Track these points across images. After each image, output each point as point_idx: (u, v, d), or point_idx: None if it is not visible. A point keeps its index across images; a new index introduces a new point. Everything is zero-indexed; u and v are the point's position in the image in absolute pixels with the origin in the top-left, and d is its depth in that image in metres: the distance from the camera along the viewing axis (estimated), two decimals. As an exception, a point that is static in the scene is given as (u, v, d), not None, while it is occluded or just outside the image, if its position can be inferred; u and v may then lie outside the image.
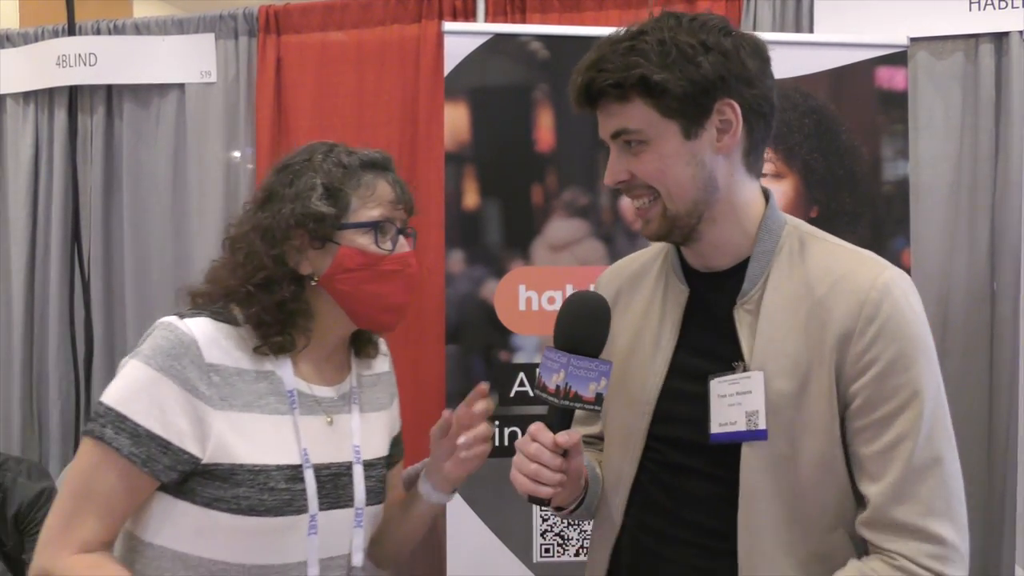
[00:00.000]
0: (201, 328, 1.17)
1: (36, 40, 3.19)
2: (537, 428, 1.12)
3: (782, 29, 2.53)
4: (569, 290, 2.16)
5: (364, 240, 1.20)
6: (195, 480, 1.14)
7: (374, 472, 1.28)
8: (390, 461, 1.36)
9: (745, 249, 1.14)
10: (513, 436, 2.13)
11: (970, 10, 2.43)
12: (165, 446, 1.12)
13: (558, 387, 1.10)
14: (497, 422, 2.12)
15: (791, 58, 2.15)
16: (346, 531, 1.23)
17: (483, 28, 2.29)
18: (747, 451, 1.08)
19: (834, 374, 1.05)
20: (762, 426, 1.07)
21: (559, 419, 1.12)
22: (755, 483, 1.08)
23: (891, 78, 2.17)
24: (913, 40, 2.29)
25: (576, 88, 1.11)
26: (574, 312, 1.14)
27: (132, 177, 3.12)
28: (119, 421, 1.12)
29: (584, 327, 1.12)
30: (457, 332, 2.16)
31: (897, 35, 2.19)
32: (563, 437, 1.11)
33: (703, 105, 1.07)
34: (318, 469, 1.20)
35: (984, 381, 2.51)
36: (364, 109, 2.86)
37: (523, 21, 2.67)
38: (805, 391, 1.06)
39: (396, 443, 1.38)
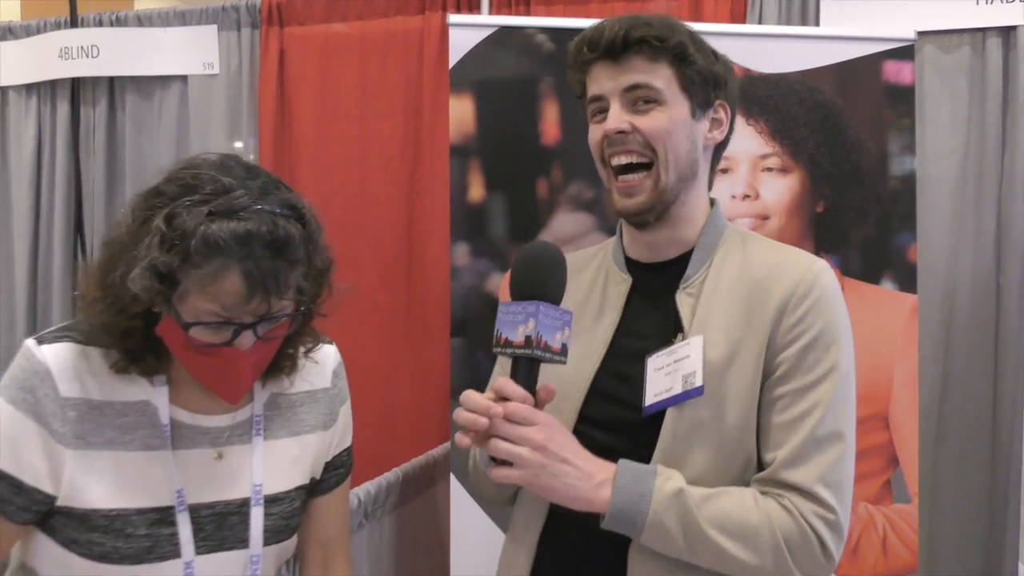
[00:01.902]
0: (59, 357, 1.04)
1: (38, 32, 3.18)
2: (505, 384, 1.06)
3: (788, 22, 2.52)
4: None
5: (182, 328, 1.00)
6: (55, 518, 1.05)
7: (279, 508, 1.14)
8: (319, 487, 1.23)
9: (690, 241, 1.22)
10: (517, 430, 2.12)
11: (977, 4, 2.42)
12: (18, 486, 1.02)
13: (528, 337, 1.03)
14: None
15: (797, 52, 2.14)
16: None
17: (488, 20, 2.28)
18: (671, 417, 1.12)
19: (764, 345, 1.12)
20: (699, 383, 1.11)
21: (527, 374, 1.06)
22: (672, 447, 1.11)
23: (898, 72, 2.15)
24: (920, 34, 2.27)
25: (610, 35, 1.14)
26: (535, 260, 1.11)
27: (135, 169, 3.12)
28: None
29: (548, 273, 1.09)
30: (462, 325, 2.15)
31: (904, 29, 2.18)
32: (545, 392, 1.08)
33: (710, 96, 1.20)
34: (197, 509, 1.07)
35: (989, 375, 2.51)
36: (367, 101, 2.85)
37: (527, 14, 2.66)
38: (735, 361, 1.12)
39: (332, 467, 1.24)
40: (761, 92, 2.13)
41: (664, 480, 1.08)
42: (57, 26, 3.14)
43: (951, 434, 2.53)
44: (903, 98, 2.16)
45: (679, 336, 1.16)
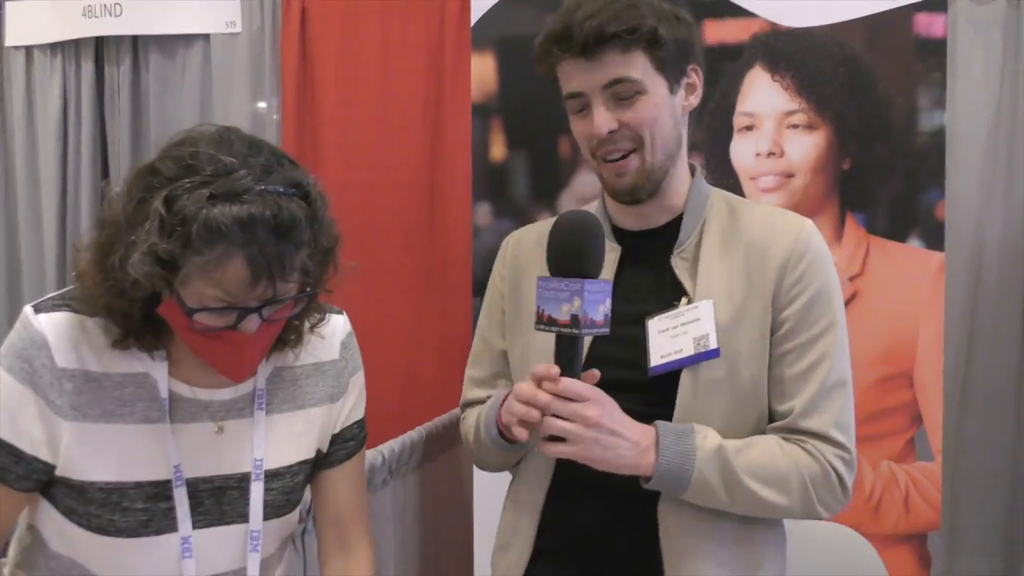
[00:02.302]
0: (56, 326, 1.01)
1: (62, -9, 3.18)
2: (548, 369, 1.07)
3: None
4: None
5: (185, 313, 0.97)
6: (54, 488, 1.05)
7: (280, 483, 1.12)
8: (327, 460, 1.20)
9: (677, 208, 1.25)
10: (540, 388, 2.13)
11: (1013, -47, 2.35)
12: (17, 455, 1.01)
13: (575, 316, 1.03)
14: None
15: (825, 5, 2.09)
16: (238, 552, 1.09)
17: (510, -23, 2.25)
18: (686, 377, 1.16)
19: (769, 303, 1.17)
20: (713, 346, 1.15)
21: (568, 352, 1.07)
22: (690, 406, 1.16)
23: (929, 25, 2.10)
24: (953, -15, 2.22)
25: (581, 35, 1.13)
26: (572, 232, 1.10)
27: (159, 128, 3.12)
28: None
29: (587, 245, 1.09)
30: (484, 284, 2.15)
31: (937, -20, 2.12)
32: (591, 376, 1.10)
33: (682, 65, 1.20)
34: (196, 484, 1.06)
35: (1016, 335, 2.49)
36: (389, 60, 2.83)
37: (550, -32, 2.62)
38: (741, 320, 1.17)
39: (342, 440, 1.21)
40: (787, 47, 2.09)
41: (703, 438, 1.13)
42: (80, -16, 3.14)
43: (976, 393, 2.52)
44: (934, 51, 2.11)
45: (684, 300, 1.19)
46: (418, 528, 2.42)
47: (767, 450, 1.16)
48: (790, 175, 2.11)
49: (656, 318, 1.19)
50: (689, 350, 1.16)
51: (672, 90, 1.19)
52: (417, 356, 2.86)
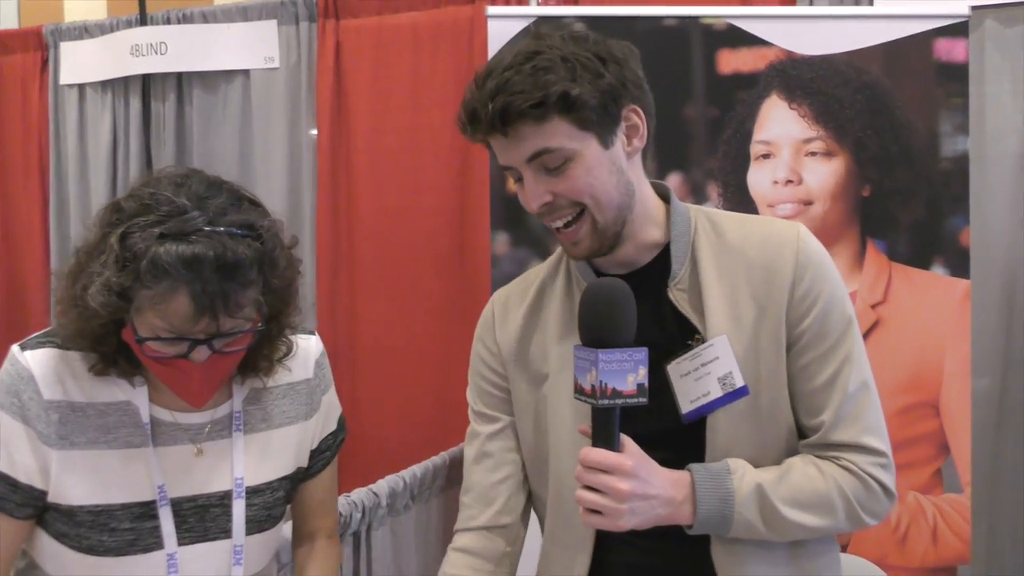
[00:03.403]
0: (41, 362, 1.08)
1: (112, 31, 3.33)
2: (587, 453, 1.05)
3: (842, 2, 2.45)
4: (613, 272, 2.16)
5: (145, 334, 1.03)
6: (47, 512, 1.11)
7: (261, 499, 1.17)
8: (307, 474, 1.26)
9: (658, 241, 1.19)
10: (558, 416, 2.15)
11: (1042, -27, 2.31)
12: (13, 484, 1.08)
13: (593, 387, 1.03)
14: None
15: (844, 32, 2.09)
16: (222, 566, 1.14)
17: (526, 11, 2.30)
18: (710, 418, 1.13)
19: (783, 323, 1.13)
20: (740, 383, 1.12)
21: (603, 423, 1.05)
22: (720, 445, 1.13)
23: (950, 50, 2.08)
24: (976, 8, 2.19)
25: (487, 116, 1.06)
26: (592, 303, 1.07)
27: (202, 159, 3.24)
28: None
29: (606, 317, 1.05)
30: (503, 313, 2.19)
31: (958, 5, 2.10)
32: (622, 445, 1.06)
33: (613, 113, 1.10)
34: (180, 503, 1.12)
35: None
36: (419, 90, 2.90)
37: (575, 0, 2.66)
38: (757, 347, 1.13)
39: (318, 453, 1.27)
40: (804, 75, 2.09)
41: (739, 479, 1.10)
42: (128, 24, 3.29)
43: (1011, 422, 2.45)
44: (955, 76, 2.09)
45: (697, 338, 1.14)
46: (440, 553, 2.44)
47: (804, 474, 1.12)
48: (808, 202, 2.11)
49: (674, 362, 1.14)
50: (717, 391, 1.12)
51: (606, 143, 1.11)
52: (447, 381, 2.89)
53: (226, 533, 1.15)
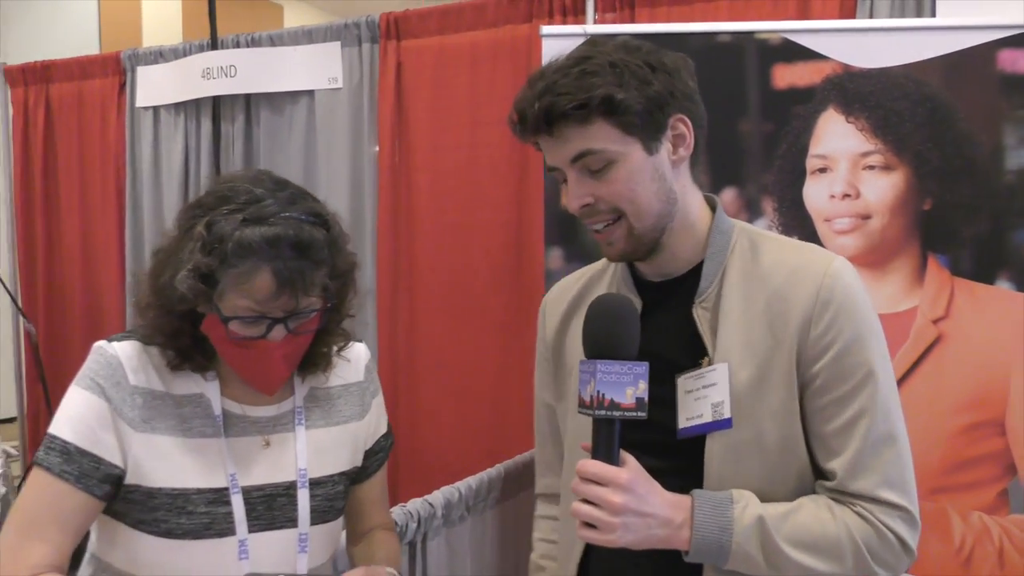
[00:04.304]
0: (127, 352, 1.17)
1: (185, 55, 3.47)
2: (583, 464, 1.05)
3: (902, 14, 2.42)
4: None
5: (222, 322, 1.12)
6: (122, 502, 1.16)
7: (323, 490, 1.25)
8: (363, 474, 1.34)
9: (698, 254, 1.18)
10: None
11: (1114, -19, 2.25)
12: (96, 461, 1.14)
13: (591, 397, 1.04)
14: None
15: (903, 45, 2.06)
16: (288, 554, 1.21)
17: (579, 30, 2.32)
18: (711, 441, 1.12)
19: (795, 359, 1.11)
20: (727, 415, 1.11)
21: (601, 435, 1.05)
22: (720, 471, 1.11)
23: (1015, 61, 2.04)
24: (1043, 18, 2.14)
25: (533, 115, 1.10)
26: (595, 316, 1.09)
27: (269, 178, 3.35)
28: (50, 442, 1.14)
29: (607, 330, 1.07)
30: (557, 327, 2.21)
31: (1022, 15, 2.06)
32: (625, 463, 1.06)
33: (659, 121, 1.11)
34: (249, 491, 1.19)
35: None
36: (478, 108, 2.95)
37: (631, 17, 2.68)
38: (767, 378, 1.11)
39: (372, 454, 1.35)
40: (862, 88, 2.07)
41: (741, 509, 1.08)
42: (200, 49, 3.42)
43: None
44: (1020, 88, 2.04)
45: (705, 360, 1.14)
46: (495, 563, 2.47)
47: (815, 515, 1.09)
48: (867, 216, 2.08)
49: (683, 377, 1.15)
50: (708, 416, 1.12)
51: (651, 149, 1.12)
52: (504, 394, 2.93)
53: (292, 522, 1.21)
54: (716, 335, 1.14)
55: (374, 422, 1.36)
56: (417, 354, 3.02)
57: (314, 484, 1.24)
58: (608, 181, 1.11)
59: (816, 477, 1.13)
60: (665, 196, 1.14)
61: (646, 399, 1.05)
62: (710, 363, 1.13)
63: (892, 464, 1.10)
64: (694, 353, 1.15)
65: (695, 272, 1.19)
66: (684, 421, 1.14)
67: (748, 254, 1.18)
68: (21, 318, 3.80)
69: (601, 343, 1.07)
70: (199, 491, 1.16)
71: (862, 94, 2.07)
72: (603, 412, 1.04)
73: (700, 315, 1.16)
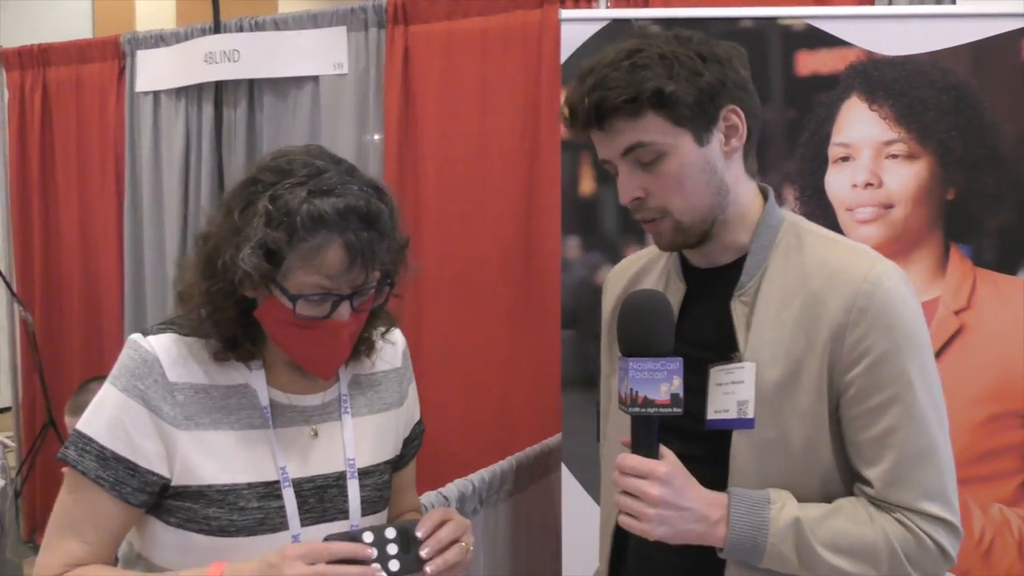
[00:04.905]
0: (164, 346, 1.12)
1: (186, 39, 3.41)
2: (623, 459, 1.07)
3: (923, 1, 2.39)
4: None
5: (289, 303, 1.07)
6: (168, 501, 1.11)
7: (371, 480, 1.21)
8: (401, 461, 1.31)
9: (745, 245, 1.17)
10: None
11: None
12: (132, 468, 1.09)
13: (625, 395, 1.05)
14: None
15: (928, 32, 2.03)
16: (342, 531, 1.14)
17: (599, 14, 2.29)
18: (737, 437, 1.12)
19: (827, 365, 1.09)
20: (750, 415, 1.11)
21: (639, 431, 1.07)
22: (744, 468, 1.12)
23: (1040, 49, 2.01)
24: (1068, 6, 2.11)
25: (584, 110, 1.10)
26: (627, 314, 1.10)
27: (272, 165, 3.29)
28: (84, 443, 1.09)
29: (638, 326, 1.08)
30: (573, 317, 2.18)
31: (1048, 2, 2.04)
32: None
33: (710, 112, 1.11)
34: (300, 484, 1.15)
35: None
36: (488, 95, 2.90)
37: (646, 2, 2.64)
38: (796, 380, 1.10)
39: (408, 442, 1.32)
40: (886, 76, 2.04)
41: (778, 510, 1.08)
42: (203, 32, 3.36)
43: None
44: (1046, 76, 2.02)
45: (736, 355, 1.13)
46: (508, 556, 2.44)
47: (853, 518, 1.09)
48: (889, 206, 2.05)
49: (715, 369, 1.15)
50: (733, 413, 1.12)
51: (702, 141, 1.11)
52: (513, 386, 2.89)
53: (343, 514, 1.18)
54: (749, 331, 1.13)
55: (411, 409, 1.33)
56: (423, 345, 2.98)
57: (363, 474, 1.21)
58: (659, 174, 1.11)
59: (855, 481, 1.12)
60: (716, 188, 1.13)
61: (681, 394, 1.05)
62: (740, 360, 1.13)
63: (931, 476, 1.09)
64: (728, 346, 1.15)
65: (740, 262, 1.18)
66: (712, 413, 1.14)
67: (793, 251, 1.16)
68: (17, 306, 3.74)
69: (634, 341, 1.08)
70: (250, 485, 1.12)
71: (886, 82, 2.04)
72: (637, 410, 1.05)
73: (737, 309, 1.15)
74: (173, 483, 1.11)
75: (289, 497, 1.13)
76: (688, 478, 1.09)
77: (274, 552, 1.05)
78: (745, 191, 1.18)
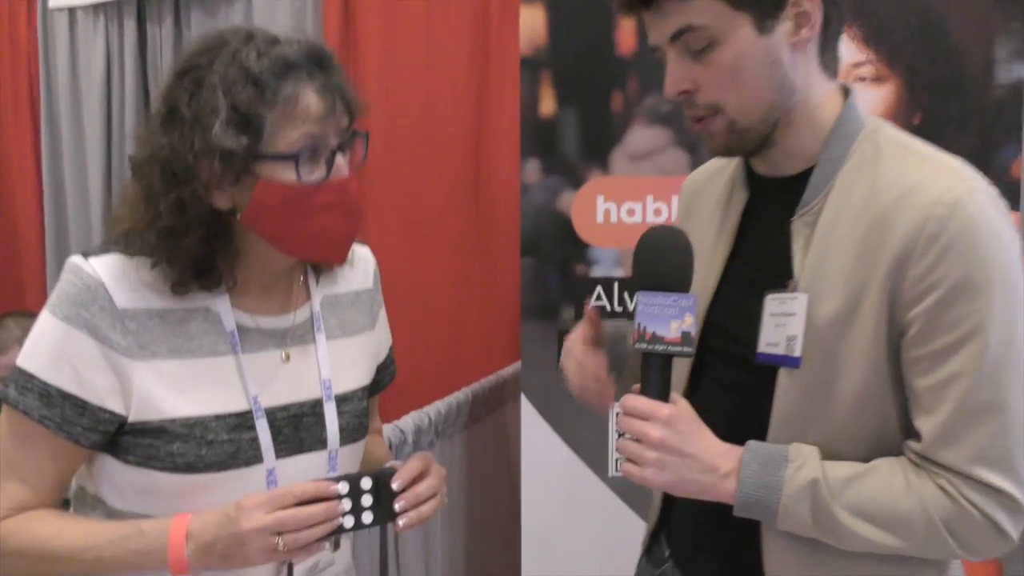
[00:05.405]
0: (109, 268, 1.00)
1: (103, -51, 3.15)
2: (624, 399, 1.00)
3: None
4: (650, 202, 2.07)
5: (286, 172, 0.97)
6: (126, 439, 1.01)
7: (349, 407, 1.13)
8: (375, 388, 1.24)
9: (815, 154, 1.03)
10: (589, 351, 2.08)
11: None
12: (81, 406, 0.98)
13: (634, 330, 0.98)
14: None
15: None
16: (317, 478, 1.06)
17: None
18: (783, 376, 1.02)
19: (888, 300, 0.95)
20: (797, 353, 1.00)
21: (646, 370, 1.00)
22: (788, 411, 1.02)
23: (1008, -30, 1.98)
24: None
25: None
26: (641, 247, 1.02)
27: (202, 87, 3.10)
28: (25, 381, 0.98)
29: (652, 259, 1.01)
30: (533, 245, 2.10)
31: (1018, -79, 1.99)
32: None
33: None
34: (273, 413, 1.05)
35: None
36: (433, 12, 2.75)
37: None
38: (853, 317, 0.97)
39: (383, 368, 1.25)
40: (855, -5, 1.98)
41: (796, 469, 0.98)
42: (121, -57, 3.11)
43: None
44: (1014, 0, 1.98)
45: (791, 283, 1.01)
46: (464, 489, 2.40)
47: (886, 483, 0.96)
48: (855, 130, 2.01)
49: (770, 296, 1.03)
50: (781, 348, 1.01)
51: (764, 28, 0.96)
52: (464, 317, 2.82)
53: (321, 443, 1.09)
54: (807, 257, 1.01)
55: (382, 333, 1.26)
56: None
57: (340, 400, 1.12)
58: (710, 64, 0.98)
59: (906, 436, 0.99)
60: (778, 85, 0.99)
61: (693, 333, 0.98)
62: (794, 289, 1.01)
63: (993, 437, 0.94)
64: (784, 271, 1.03)
65: (808, 175, 1.03)
66: (763, 345, 1.04)
67: (868, 164, 1.00)
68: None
69: (645, 274, 1.00)
70: (218, 417, 1.02)
71: (855, 2, 1.98)
72: (644, 346, 0.98)
73: (798, 230, 1.03)
74: (130, 419, 1.00)
75: (263, 428, 1.04)
76: (698, 425, 1.00)
77: (232, 503, 0.97)
78: (818, 91, 1.03)
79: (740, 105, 0.99)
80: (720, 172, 1.20)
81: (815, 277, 1.00)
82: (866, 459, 0.99)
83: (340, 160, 1.00)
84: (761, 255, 1.07)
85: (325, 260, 1.10)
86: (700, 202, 1.21)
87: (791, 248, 1.02)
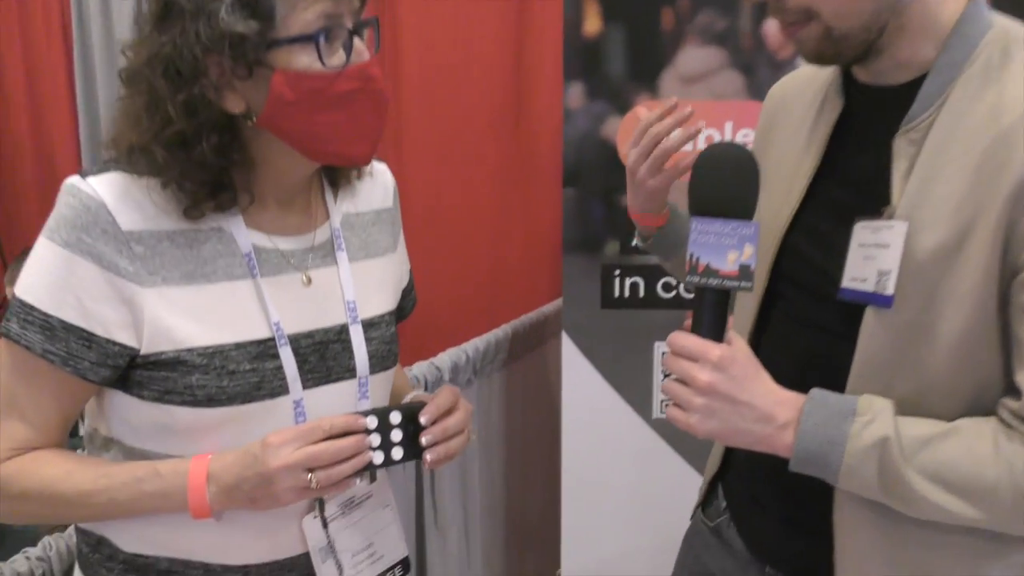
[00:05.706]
0: (111, 187, 0.91)
1: None
2: (671, 337, 0.91)
3: None
4: (702, 127, 1.93)
5: (305, 58, 0.89)
6: (139, 373, 0.94)
7: (377, 332, 1.06)
8: (400, 315, 1.17)
9: (929, 61, 0.89)
10: (634, 287, 1.98)
11: None
12: (87, 339, 0.91)
13: (686, 260, 0.89)
14: (618, 271, 1.98)
15: None
16: (348, 409, 1.00)
17: None
18: (870, 315, 0.90)
19: (1003, 233, 0.82)
20: (889, 291, 0.88)
21: (698, 306, 0.90)
22: (874, 356, 0.90)
23: None
24: None
25: None
26: (701, 166, 0.91)
27: None
28: (26, 313, 0.91)
29: (712, 181, 0.90)
30: (575, 174, 1.99)
31: None
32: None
33: None
34: (297, 340, 0.99)
35: None
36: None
37: None
38: (960, 251, 0.85)
39: (405, 293, 1.19)
40: None
41: (864, 424, 0.87)
42: None
43: None
44: None
45: (887, 209, 0.89)
46: (502, 430, 2.35)
47: (969, 448, 0.85)
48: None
49: (860, 224, 0.91)
50: (870, 284, 0.89)
51: None
52: (504, 251, 2.75)
53: (350, 372, 1.03)
54: (909, 180, 0.88)
55: (403, 255, 1.19)
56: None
57: (367, 326, 1.05)
58: None
59: (1005, 394, 0.87)
60: None
61: (752, 266, 0.87)
62: (891, 216, 0.88)
63: None
64: (881, 196, 0.91)
65: (918, 84, 0.89)
66: (848, 280, 0.92)
67: (992, 72, 0.86)
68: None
69: (702, 199, 0.90)
70: (238, 346, 0.95)
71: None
72: (697, 279, 0.89)
73: (901, 148, 0.90)
74: (143, 352, 0.93)
75: (287, 356, 0.97)
76: (755, 369, 0.90)
77: (255, 442, 0.91)
78: None
79: (836, 9, 0.87)
80: (813, 79, 1.06)
81: (917, 203, 0.87)
82: (961, 413, 0.88)
83: (359, 43, 0.92)
84: (854, 175, 0.95)
85: (352, 160, 1.00)
86: (787, 112, 1.07)
87: (891, 169, 0.90)
